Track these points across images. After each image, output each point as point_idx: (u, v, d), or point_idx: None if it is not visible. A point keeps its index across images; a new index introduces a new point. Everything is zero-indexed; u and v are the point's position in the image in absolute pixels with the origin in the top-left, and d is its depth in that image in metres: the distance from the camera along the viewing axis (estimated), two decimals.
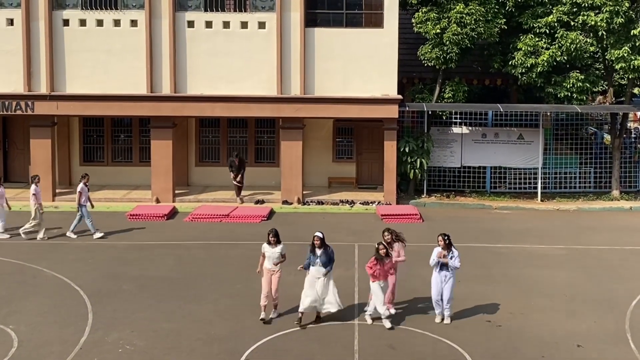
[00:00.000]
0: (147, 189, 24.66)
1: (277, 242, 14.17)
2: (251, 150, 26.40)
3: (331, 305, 13.96)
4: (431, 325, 13.96)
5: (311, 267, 13.95)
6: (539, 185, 25.29)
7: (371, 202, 24.20)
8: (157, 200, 23.97)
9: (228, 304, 15.04)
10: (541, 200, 24.97)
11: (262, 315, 14.13)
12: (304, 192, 24.56)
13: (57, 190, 24.68)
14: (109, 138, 26.39)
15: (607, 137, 27.70)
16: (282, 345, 13.08)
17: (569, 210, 24.13)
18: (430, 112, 25.12)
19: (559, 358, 12.71)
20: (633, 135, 28.42)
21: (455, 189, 25.79)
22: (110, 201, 24.14)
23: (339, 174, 26.31)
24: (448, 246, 14.07)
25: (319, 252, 13.92)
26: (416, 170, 24.56)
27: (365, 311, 14.23)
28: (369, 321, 14.02)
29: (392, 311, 14.19)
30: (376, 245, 13.97)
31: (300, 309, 13.89)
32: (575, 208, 24.33)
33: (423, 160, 24.54)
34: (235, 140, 26.42)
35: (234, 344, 13.04)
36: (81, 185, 20.20)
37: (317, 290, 13.85)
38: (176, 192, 24.46)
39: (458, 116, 25.87)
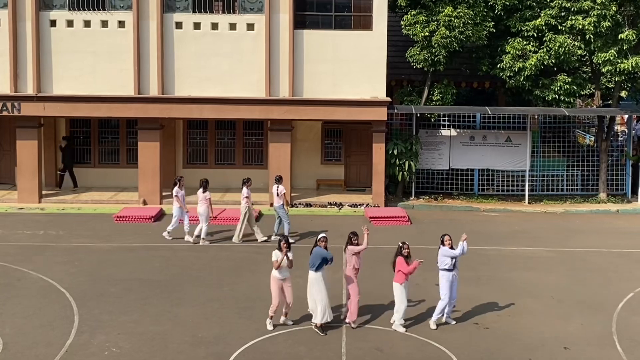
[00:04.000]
0: (134, 191, 24.56)
1: (288, 249, 13.87)
2: (239, 152, 26.35)
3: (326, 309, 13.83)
4: (418, 327, 13.95)
5: (319, 272, 13.78)
6: (527, 188, 25.37)
7: (359, 205, 24.20)
8: (144, 202, 23.87)
9: (215, 306, 14.98)
10: (529, 203, 25.05)
11: (269, 327, 13.82)
12: (292, 194, 24.53)
13: (44, 192, 24.52)
14: (96, 139, 26.26)
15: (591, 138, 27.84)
16: (269, 348, 13.03)
17: (557, 213, 24.21)
18: (418, 115, 25.15)
19: None
20: (620, 138, 28.55)
21: (443, 191, 25.83)
22: (97, 203, 24.04)
23: (327, 176, 26.31)
24: (451, 247, 14.12)
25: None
26: (404, 173, 24.58)
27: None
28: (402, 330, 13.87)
29: (353, 325, 13.95)
30: (400, 244, 13.86)
31: (326, 320, 13.66)
32: (562, 211, 24.42)
33: (411, 162, 24.56)
34: (224, 142, 26.37)
35: (220, 347, 12.99)
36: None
37: (316, 293, 13.77)
38: (163, 194, 24.37)
39: (446, 119, 25.94)
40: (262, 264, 17.61)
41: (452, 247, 14.12)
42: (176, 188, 19.98)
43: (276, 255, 13.81)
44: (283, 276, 13.87)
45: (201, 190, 19.83)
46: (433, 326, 13.96)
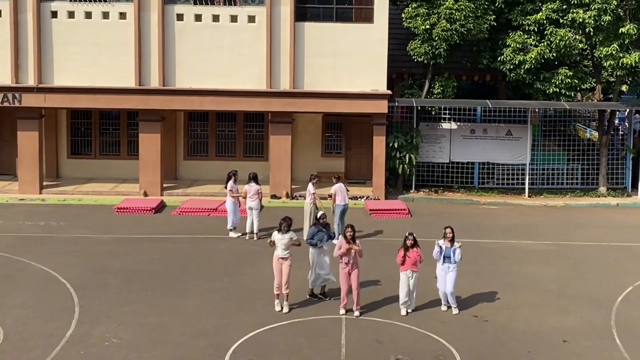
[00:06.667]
0: (135, 183, 24.58)
1: (288, 230, 14.40)
2: (240, 144, 26.35)
3: (331, 276, 14.91)
4: (418, 319, 13.99)
5: (316, 247, 14.82)
6: (527, 181, 25.38)
7: (360, 197, 24.22)
8: (145, 194, 23.90)
9: (215, 298, 15.02)
10: (529, 196, 25.06)
11: (277, 308, 14.26)
12: (293, 187, 24.57)
13: (45, 183, 24.55)
14: (97, 131, 26.27)
15: (595, 134, 27.86)
16: (268, 339, 13.08)
17: (556, 207, 24.23)
18: (419, 108, 25.15)
19: (544, 353, 12.78)
20: (621, 132, 28.54)
21: (443, 184, 25.84)
22: (97, 194, 24.07)
23: (327, 168, 26.27)
24: (452, 240, 14.41)
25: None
26: (405, 166, 24.59)
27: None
28: (403, 312, 14.28)
29: (356, 313, 14.24)
30: (406, 235, 14.19)
31: (310, 287, 14.97)
32: (562, 204, 24.43)
33: (412, 155, 24.57)
34: (224, 134, 26.37)
35: (220, 338, 13.03)
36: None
37: (323, 266, 14.83)
38: (164, 185, 24.42)
39: (447, 112, 25.94)
40: (263, 256, 17.65)
41: (452, 240, 14.36)
42: (231, 182, 19.75)
43: (274, 235, 14.41)
44: (281, 255, 14.29)
45: (252, 183, 19.55)
46: (443, 307, 14.51)
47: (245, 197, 19.61)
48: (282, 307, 14.24)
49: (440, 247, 14.36)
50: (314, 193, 19.40)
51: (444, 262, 14.37)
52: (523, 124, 25.80)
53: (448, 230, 14.41)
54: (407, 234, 14.29)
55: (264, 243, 18.76)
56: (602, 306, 14.98)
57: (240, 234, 19.63)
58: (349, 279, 14.20)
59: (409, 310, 14.29)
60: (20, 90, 23.56)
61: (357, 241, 14.25)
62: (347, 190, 19.68)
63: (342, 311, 14.25)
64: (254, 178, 19.67)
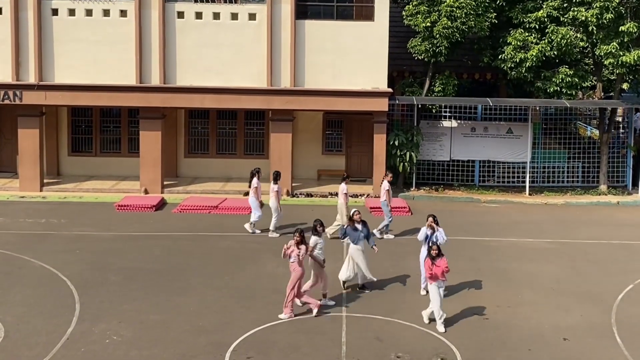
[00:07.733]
0: (136, 180, 24.59)
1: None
2: (240, 142, 26.35)
3: (369, 274, 15.28)
4: (419, 318, 13.98)
5: (356, 244, 15.16)
6: (527, 179, 25.38)
7: (360, 195, 24.22)
8: (146, 191, 23.91)
9: (215, 295, 15.04)
10: (529, 194, 25.06)
11: (332, 303, 14.57)
12: (293, 184, 24.57)
13: (45, 181, 24.56)
14: (98, 128, 26.27)
15: (595, 132, 27.86)
16: (269, 337, 13.09)
17: (557, 205, 24.23)
18: (420, 106, 25.14)
19: (545, 351, 12.80)
20: (621, 131, 28.51)
21: (444, 182, 25.83)
22: (98, 192, 24.07)
23: (328, 166, 26.32)
24: (433, 228, 14.98)
25: (360, 226, 15.31)
26: (405, 164, 24.59)
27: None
28: (425, 320, 13.87)
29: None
30: (429, 245, 14.08)
31: (367, 280, 15.32)
32: (563, 202, 24.44)
33: (412, 153, 24.57)
34: (225, 131, 26.37)
35: (221, 336, 13.05)
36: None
37: (359, 262, 15.15)
38: (165, 183, 24.42)
39: (448, 110, 25.93)
40: (263, 254, 17.69)
41: (432, 228, 14.95)
42: (255, 179, 19.87)
43: (316, 240, 14.37)
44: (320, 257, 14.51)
45: (271, 182, 19.75)
46: (422, 292, 14.91)
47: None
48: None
49: (427, 234, 14.91)
50: (345, 193, 19.58)
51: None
52: (524, 122, 25.80)
53: (430, 218, 15.01)
54: (430, 244, 14.11)
55: (265, 240, 18.85)
56: (603, 304, 14.99)
57: (252, 232, 19.75)
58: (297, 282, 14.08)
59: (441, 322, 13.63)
60: (21, 88, 23.55)
61: (302, 248, 13.96)
62: (385, 190, 19.68)
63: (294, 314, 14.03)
64: (274, 177, 19.99)
